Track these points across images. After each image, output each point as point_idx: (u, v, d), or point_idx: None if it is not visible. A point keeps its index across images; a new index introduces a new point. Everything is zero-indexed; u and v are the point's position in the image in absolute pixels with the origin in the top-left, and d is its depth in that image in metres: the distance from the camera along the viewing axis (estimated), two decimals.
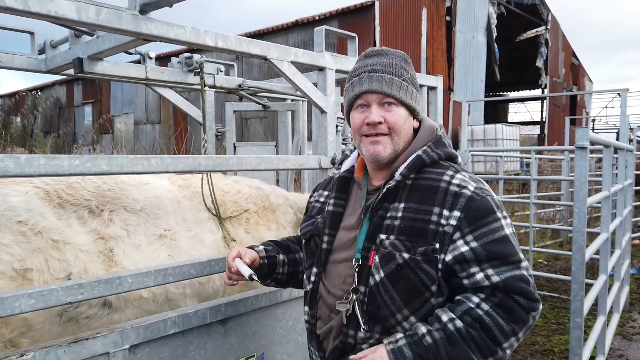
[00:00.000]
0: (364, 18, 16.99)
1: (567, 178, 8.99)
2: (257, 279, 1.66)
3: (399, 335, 1.46)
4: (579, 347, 3.01)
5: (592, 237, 4.84)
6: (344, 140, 3.54)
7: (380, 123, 1.56)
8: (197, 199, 2.33)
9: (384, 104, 1.57)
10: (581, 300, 2.99)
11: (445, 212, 1.47)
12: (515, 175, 15.66)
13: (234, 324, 2.06)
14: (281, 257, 1.86)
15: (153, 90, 3.00)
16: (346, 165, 1.77)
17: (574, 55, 30.52)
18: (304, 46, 16.72)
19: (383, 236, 1.52)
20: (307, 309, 1.71)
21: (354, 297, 1.54)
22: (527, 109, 40.71)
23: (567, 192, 9.78)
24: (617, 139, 10.03)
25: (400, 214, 1.52)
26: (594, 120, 30.73)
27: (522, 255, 1.48)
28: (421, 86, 3.15)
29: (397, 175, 1.55)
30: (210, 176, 2.35)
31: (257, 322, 2.16)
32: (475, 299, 1.43)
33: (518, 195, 11.03)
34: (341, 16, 17.41)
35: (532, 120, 36.89)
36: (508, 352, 1.44)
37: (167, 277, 1.81)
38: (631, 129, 12.25)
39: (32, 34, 2.58)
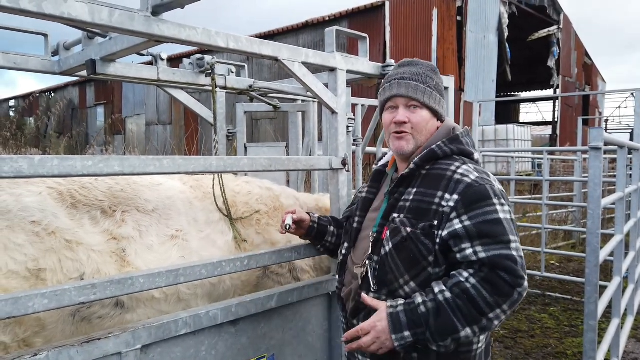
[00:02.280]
0: (374, 18, 16.94)
1: (580, 179, 8.90)
2: (288, 230, 2.08)
3: (400, 301, 1.67)
4: (593, 350, 2.97)
5: (606, 238, 4.78)
6: (354, 140, 3.53)
7: (404, 122, 1.85)
8: (209, 200, 2.34)
9: (409, 106, 1.86)
10: (595, 303, 2.95)
11: (447, 196, 1.70)
12: (526, 175, 15.53)
13: (245, 324, 2.07)
14: (332, 228, 2.23)
15: (164, 91, 3.01)
16: (383, 161, 2.12)
17: (587, 55, 30.20)
18: (314, 47, 16.72)
19: (395, 215, 1.79)
20: (337, 277, 2.04)
21: (367, 262, 1.82)
22: (538, 109, 40.37)
23: (579, 193, 9.68)
24: (631, 139, 9.92)
25: (411, 197, 1.79)
26: (606, 120, 30.38)
27: (513, 237, 1.64)
28: None
29: (411, 165, 1.82)
30: (221, 177, 2.35)
31: (268, 323, 2.16)
32: (465, 274, 1.61)
33: (530, 196, 10.93)
34: (351, 16, 17.39)
35: (544, 121, 36.57)
36: (495, 322, 1.61)
37: (179, 278, 1.82)
38: None
39: (45, 35, 2.60)
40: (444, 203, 1.70)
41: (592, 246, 2.96)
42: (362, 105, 4.42)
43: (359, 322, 1.81)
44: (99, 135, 23.18)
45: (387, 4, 16.69)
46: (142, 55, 2.53)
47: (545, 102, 36.48)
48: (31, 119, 21.80)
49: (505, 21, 22.29)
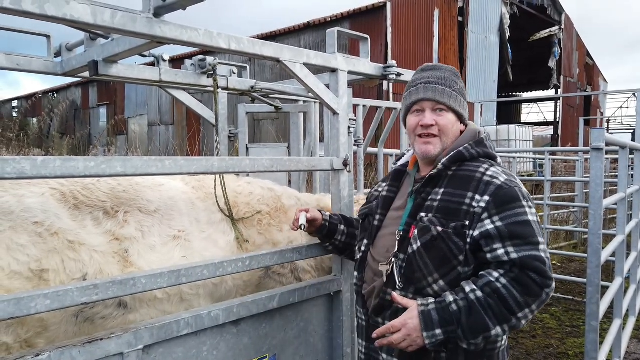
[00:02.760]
0: (375, 19, 16.93)
1: (581, 179, 8.88)
2: (304, 229, 2.14)
3: (430, 300, 1.69)
4: (594, 351, 2.97)
5: (607, 238, 4.77)
6: (355, 141, 3.54)
7: (432, 125, 1.88)
8: (210, 200, 2.34)
9: (436, 110, 1.89)
10: (596, 303, 2.95)
11: (477, 197, 1.74)
12: (528, 176, 15.50)
13: (247, 324, 2.07)
14: (342, 227, 2.26)
15: (166, 92, 3.02)
16: (402, 161, 2.14)
17: (588, 55, 30.15)
18: (316, 47, 16.71)
19: (423, 214, 1.82)
20: (356, 273, 2.05)
21: (393, 259, 1.83)
22: (540, 110, 40.28)
23: (581, 193, 9.67)
24: (633, 139, 9.89)
25: (439, 197, 1.82)
26: (608, 121, 30.30)
27: (541, 239, 1.69)
28: None
29: (439, 165, 1.85)
30: (223, 177, 2.36)
31: (270, 323, 2.16)
32: (495, 274, 1.65)
33: (531, 197, 10.88)
34: (353, 17, 17.38)
35: (545, 121, 36.49)
36: (523, 322, 1.65)
37: (180, 278, 1.82)
38: None
39: (48, 36, 2.61)
40: (474, 204, 1.73)
41: (593, 246, 2.96)
42: (364, 106, 4.43)
43: (384, 320, 1.84)
44: (102, 136, 23.20)
45: (389, 5, 16.68)
46: (145, 56, 2.53)
47: (546, 103, 36.39)
48: (34, 119, 21.84)
49: (507, 22, 22.27)
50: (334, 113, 2.40)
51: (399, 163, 2.14)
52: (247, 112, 3.58)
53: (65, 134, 20.63)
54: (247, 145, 3.55)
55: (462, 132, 1.95)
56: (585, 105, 30.01)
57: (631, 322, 4.81)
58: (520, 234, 1.66)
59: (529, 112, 41.77)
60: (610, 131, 28.99)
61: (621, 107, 34.99)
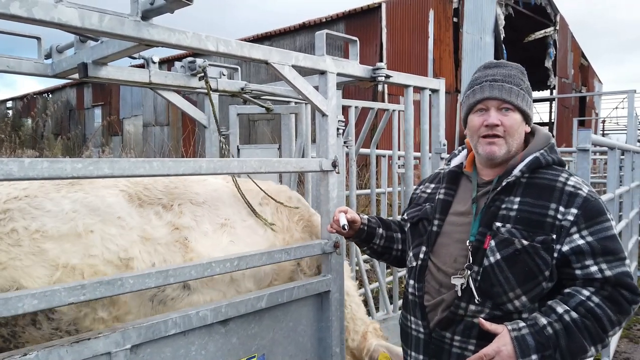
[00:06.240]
0: (370, 20, 16.98)
1: None
2: (347, 229, 2.04)
3: (522, 324, 1.61)
4: None
5: None
6: (345, 142, 3.56)
7: (497, 125, 1.78)
8: (249, 194, 2.50)
9: (501, 109, 1.79)
10: None
11: (562, 208, 1.66)
12: None
13: (235, 324, 2.09)
14: (380, 230, 2.18)
15: (157, 93, 3.04)
16: (455, 162, 2.03)
17: (583, 56, 30.30)
18: (311, 48, 16.71)
19: (499, 224, 1.72)
20: (412, 282, 1.94)
21: (468, 272, 1.73)
22: (535, 110, 40.39)
23: None
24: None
25: (515, 206, 1.72)
26: (603, 122, 30.45)
27: (626, 254, 1.66)
28: (422, 89, 3.17)
29: (516, 172, 1.76)
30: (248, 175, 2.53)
31: (258, 323, 2.18)
32: (586, 292, 1.60)
33: None
34: (348, 18, 17.42)
35: (541, 121, 36.61)
36: (611, 338, 1.66)
37: (168, 278, 1.84)
38: None
39: (38, 39, 2.62)
40: (559, 216, 1.66)
41: None
42: (355, 107, 4.45)
43: (453, 334, 1.77)
44: (94, 136, 23.16)
45: (384, 6, 16.72)
46: (134, 58, 2.55)
47: (541, 103, 36.54)
48: (28, 120, 21.77)
49: (502, 22, 22.36)
50: (323, 115, 2.42)
51: (453, 164, 2.03)
52: (238, 113, 3.60)
53: (60, 134, 20.56)
54: (238, 146, 3.57)
55: (526, 134, 1.87)
56: (580, 106, 30.17)
57: None
58: (611, 250, 1.62)
59: None
60: (605, 132, 29.15)
61: (616, 107, 35.13)
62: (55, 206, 1.88)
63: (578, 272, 1.63)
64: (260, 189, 2.55)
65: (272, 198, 2.56)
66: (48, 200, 1.90)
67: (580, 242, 1.63)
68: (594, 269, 1.61)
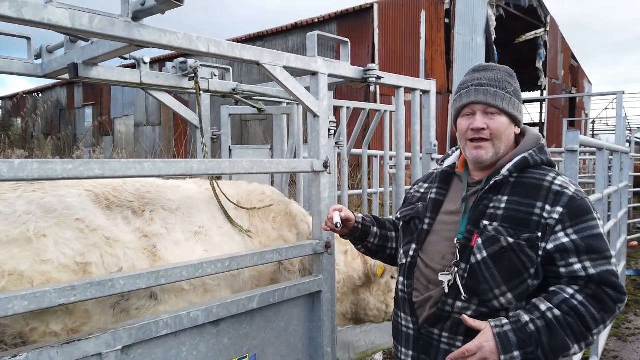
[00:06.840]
0: (362, 20, 16.99)
1: None
2: (340, 227, 2.06)
3: (504, 320, 1.63)
4: None
5: None
6: (336, 143, 3.57)
7: (483, 129, 1.81)
8: (223, 199, 2.44)
9: (487, 113, 1.82)
10: None
11: (547, 207, 1.69)
12: None
13: (226, 325, 2.09)
14: (375, 229, 2.19)
15: (148, 93, 3.03)
16: (448, 162, 2.06)
17: (573, 57, 30.55)
18: (303, 48, 16.70)
19: (486, 222, 1.75)
20: (402, 279, 1.97)
21: (455, 269, 1.76)
22: (526, 110, 40.63)
23: None
24: None
25: (503, 205, 1.75)
26: (593, 122, 30.71)
27: (611, 252, 1.68)
28: (414, 90, 3.18)
29: (504, 171, 1.79)
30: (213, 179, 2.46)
31: (250, 323, 2.19)
32: (570, 290, 1.62)
33: None
34: (340, 18, 17.42)
35: (531, 122, 36.84)
36: (596, 337, 1.64)
37: (159, 279, 1.84)
38: (630, 130, 12.24)
39: (28, 39, 2.61)
40: (545, 215, 1.68)
41: None
42: (347, 108, 4.47)
43: (441, 331, 1.80)
44: (85, 137, 22.99)
45: (376, 7, 16.75)
46: (125, 59, 2.54)
47: (532, 104, 36.78)
48: (18, 119, 21.57)
49: (493, 23, 22.47)
50: (314, 115, 2.43)
51: (445, 164, 2.07)
52: (230, 113, 3.60)
53: (50, 134, 20.40)
54: (230, 146, 3.57)
55: (516, 136, 1.89)
56: (570, 106, 30.40)
57: None
58: (596, 248, 1.63)
59: None
60: (595, 132, 29.40)
61: (606, 108, 35.44)
62: (8, 208, 1.77)
63: (562, 270, 1.65)
64: (227, 197, 2.47)
65: (241, 207, 2.50)
66: (1, 201, 1.78)
67: (565, 240, 1.65)
68: (577, 267, 1.63)
